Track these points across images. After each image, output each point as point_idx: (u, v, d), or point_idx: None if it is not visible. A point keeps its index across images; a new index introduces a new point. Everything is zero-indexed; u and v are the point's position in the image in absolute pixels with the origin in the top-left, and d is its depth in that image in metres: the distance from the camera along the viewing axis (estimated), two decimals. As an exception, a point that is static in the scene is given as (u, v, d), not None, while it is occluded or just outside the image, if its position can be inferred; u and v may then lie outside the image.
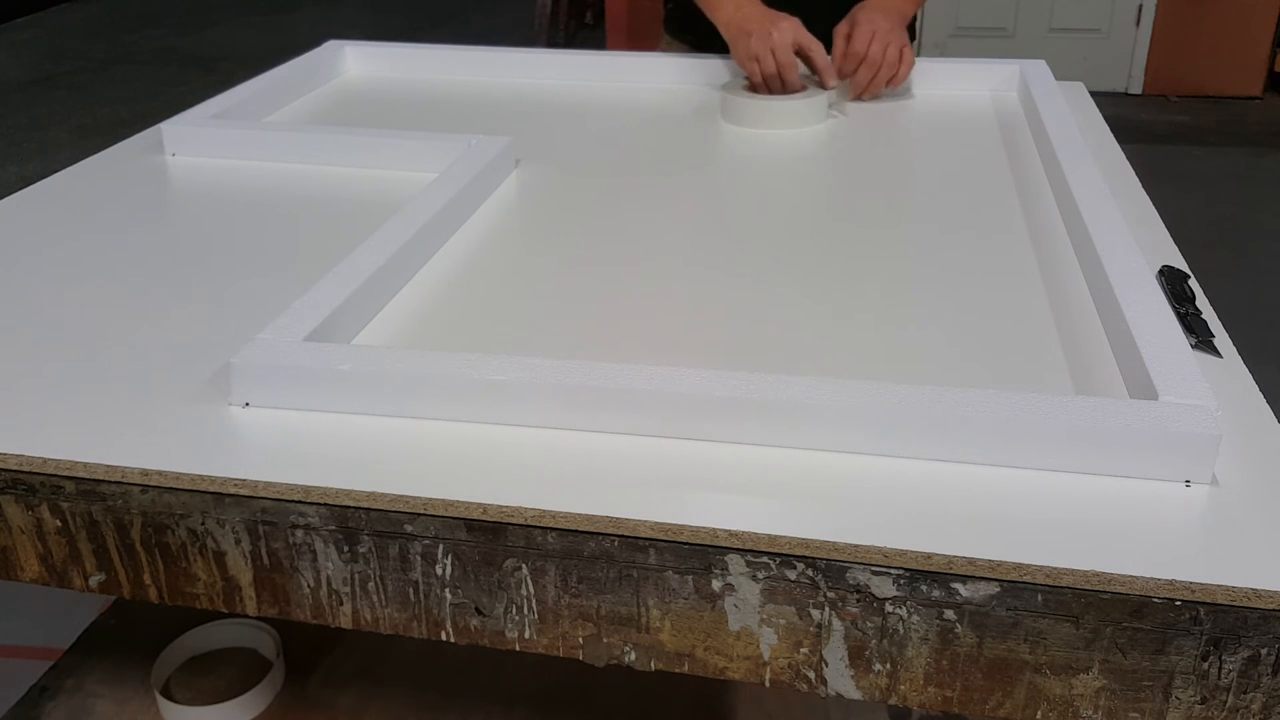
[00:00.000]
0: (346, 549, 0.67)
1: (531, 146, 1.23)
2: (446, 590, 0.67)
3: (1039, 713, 0.62)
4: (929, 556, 0.60)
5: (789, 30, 1.34)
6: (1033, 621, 0.59)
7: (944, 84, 1.44)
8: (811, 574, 0.61)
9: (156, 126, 1.26)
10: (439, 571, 0.66)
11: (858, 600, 0.61)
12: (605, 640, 0.66)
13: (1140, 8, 4.60)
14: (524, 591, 0.66)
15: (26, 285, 0.93)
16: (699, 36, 1.57)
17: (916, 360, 0.79)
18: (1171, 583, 0.58)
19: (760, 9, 1.39)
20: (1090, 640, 0.59)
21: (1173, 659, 0.59)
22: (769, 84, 1.35)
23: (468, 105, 1.43)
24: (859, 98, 1.38)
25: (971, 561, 0.59)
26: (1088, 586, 0.58)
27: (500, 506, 0.64)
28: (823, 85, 1.35)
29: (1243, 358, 0.78)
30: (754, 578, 0.62)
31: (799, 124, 1.31)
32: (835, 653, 0.63)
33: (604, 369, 0.71)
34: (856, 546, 0.60)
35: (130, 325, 0.86)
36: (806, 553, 0.61)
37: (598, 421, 0.70)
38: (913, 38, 1.64)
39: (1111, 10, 4.62)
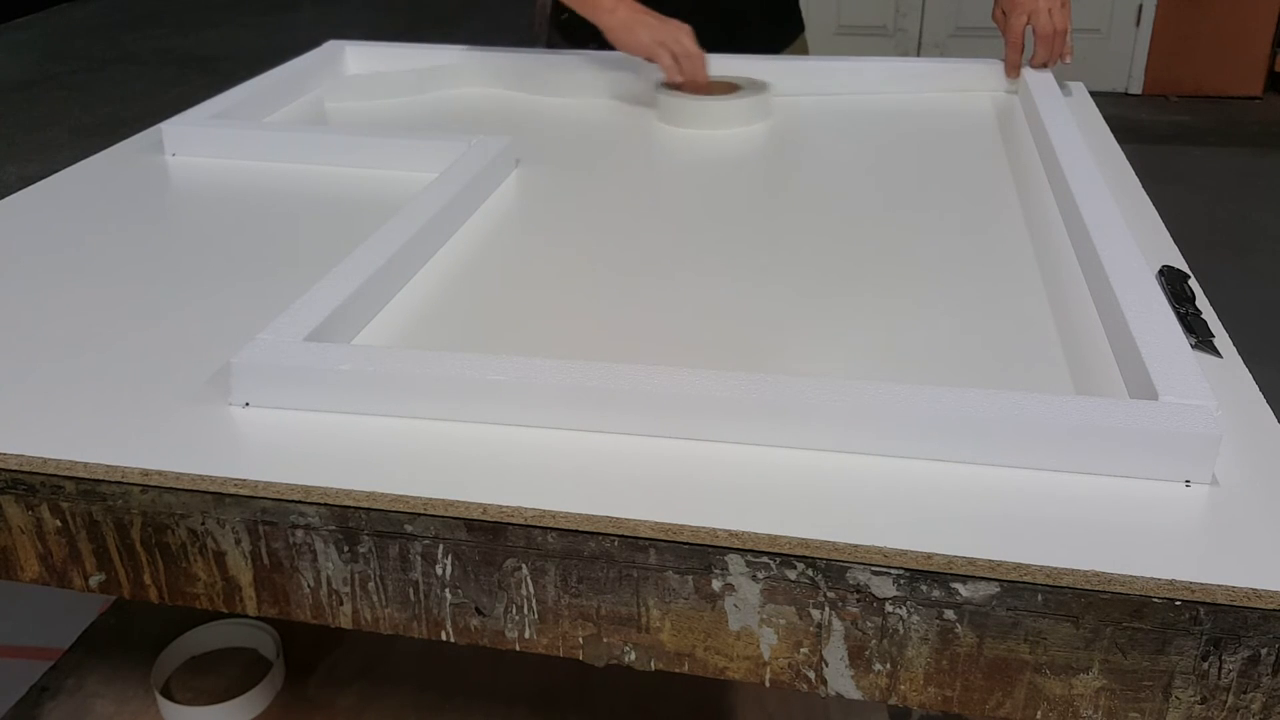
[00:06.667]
0: (346, 549, 0.67)
1: (531, 146, 1.23)
2: (446, 590, 0.67)
3: (1039, 713, 0.62)
4: (929, 556, 0.60)
5: (683, 26, 1.35)
6: (1033, 621, 0.59)
7: (944, 84, 1.44)
8: (811, 574, 0.61)
9: (156, 126, 1.26)
10: (439, 571, 0.66)
11: (858, 600, 0.61)
12: (605, 640, 0.66)
13: (1140, 8, 4.60)
14: (524, 591, 0.66)
15: (26, 285, 0.93)
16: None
17: (916, 360, 0.79)
18: (1171, 583, 0.58)
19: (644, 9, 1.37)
20: (1090, 640, 0.59)
21: (1173, 659, 0.59)
22: (682, 66, 1.33)
23: (468, 105, 1.43)
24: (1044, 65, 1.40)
25: (971, 561, 0.59)
26: (1088, 586, 0.58)
27: (500, 506, 0.64)
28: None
29: (1243, 358, 0.78)
30: (754, 578, 0.62)
31: (735, 124, 1.31)
32: (835, 653, 0.63)
33: (604, 369, 0.71)
34: (856, 546, 0.60)
35: (130, 325, 0.86)
36: (806, 553, 0.61)
37: (598, 421, 0.70)
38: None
39: (1111, 10, 4.61)
